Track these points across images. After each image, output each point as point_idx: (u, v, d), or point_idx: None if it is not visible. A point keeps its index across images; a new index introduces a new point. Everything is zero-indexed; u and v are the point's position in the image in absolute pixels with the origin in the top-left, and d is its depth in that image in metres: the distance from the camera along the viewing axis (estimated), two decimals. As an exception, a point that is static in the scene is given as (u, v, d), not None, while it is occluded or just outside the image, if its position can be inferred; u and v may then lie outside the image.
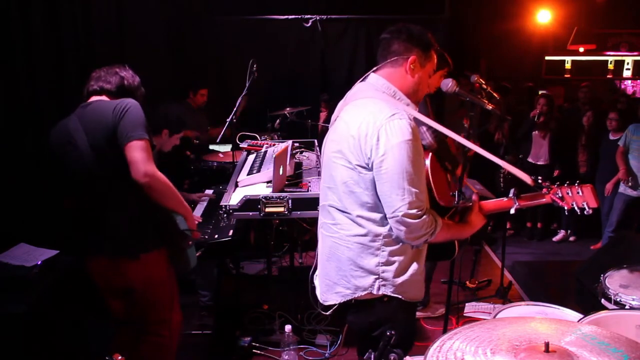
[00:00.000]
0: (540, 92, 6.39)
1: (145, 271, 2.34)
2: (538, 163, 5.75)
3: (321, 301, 2.06)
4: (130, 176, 2.18)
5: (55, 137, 2.37)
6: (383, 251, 1.88)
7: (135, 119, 2.21)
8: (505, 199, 2.10)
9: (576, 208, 2.00)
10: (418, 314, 3.91)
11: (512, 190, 2.09)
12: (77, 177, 2.32)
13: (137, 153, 2.17)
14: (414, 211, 1.77)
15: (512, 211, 2.08)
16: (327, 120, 5.78)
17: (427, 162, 3.27)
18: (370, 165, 1.82)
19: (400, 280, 1.90)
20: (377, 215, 1.86)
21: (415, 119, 1.90)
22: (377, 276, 1.89)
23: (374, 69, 2.01)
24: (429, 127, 3.23)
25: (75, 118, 2.32)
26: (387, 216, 1.81)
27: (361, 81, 2.04)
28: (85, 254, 2.44)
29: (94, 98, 2.37)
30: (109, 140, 2.21)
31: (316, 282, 2.15)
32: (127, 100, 2.26)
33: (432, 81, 3.43)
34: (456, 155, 3.53)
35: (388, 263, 1.88)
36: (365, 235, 1.88)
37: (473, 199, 2.15)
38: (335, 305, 2.00)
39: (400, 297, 1.91)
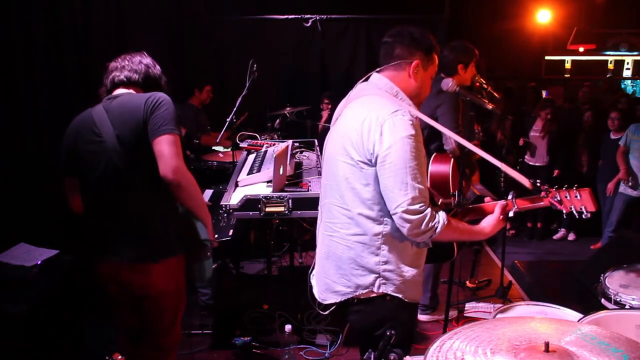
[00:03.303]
0: (544, 98, 6.35)
1: (163, 277, 2.21)
2: (537, 164, 5.75)
3: (320, 300, 2.06)
4: (155, 176, 2.05)
5: (78, 127, 2.22)
6: (383, 250, 1.88)
7: (167, 113, 2.10)
8: (504, 201, 2.10)
9: (574, 212, 2.01)
10: (428, 317, 3.90)
11: (511, 193, 2.10)
12: (97, 173, 2.16)
13: (167, 147, 2.06)
14: (416, 206, 1.77)
15: (511, 214, 2.08)
16: (329, 119, 5.78)
17: (449, 167, 3.25)
18: (372, 161, 1.83)
19: (400, 279, 1.90)
20: (376, 213, 1.86)
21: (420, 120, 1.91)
22: (377, 275, 1.90)
23: (377, 70, 2.02)
24: None
25: (102, 109, 2.18)
26: (390, 212, 1.81)
27: (363, 81, 2.05)
28: (99, 259, 2.27)
29: (119, 90, 2.24)
30: (138, 135, 2.09)
31: (313, 281, 2.15)
32: (159, 94, 2.16)
33: (467, 76, 3.45)
34: (474, 161, 3.54)
35: (388, 262, 1.88)
36: (364, 234, 1.89)
37: (487, 201, 2.15)
38: (334, 304, 2.00)
39: (400, 296, 1.91)
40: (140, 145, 2.10)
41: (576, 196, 2.01)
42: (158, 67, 2.36)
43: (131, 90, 2.25)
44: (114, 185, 2.15)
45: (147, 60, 2.33)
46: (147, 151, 2.09)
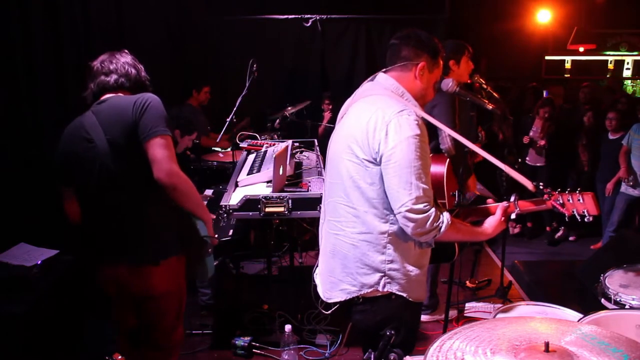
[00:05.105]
0: (543, 97, 6.35)
1: (164, 278, 2.21)
2: (537, 165, 5.75)
3: (324, 299, 2.06)
4: (150, 176, 2.04)
5: (70, 135, 2.21)
6: (388, 249, 1.89)
7: (157, 114, 2.08)
8: (506, 203, 2.10)
9: (577, 215, 2.02)
10: (428, 317, 3.88)
11: (513, 195, 2.10)
12: (92, 178, 2.15)
13: (160, 150, 2.04)
14: (420, 206, 1.78)
15: (513, 216, 2.10)
16: (331, 120, 5.76)
17: (444, 167, 3.25)
18: (378, 160, 1.84)
19: (405, 279, 1.91)
20: (382, 212, 1.87)
21: (424, 120, 1.92)
22: (382, 273, 1.90)
23: (383, 70, 2.03)
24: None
25: (91, 115, 2.18)
26: (394, 211, 1.82)
27: (370, 80, 2.06)
28: (100, 263, 2.27)
29: (108, 95, 2.23)
30: (129, 137, 2.07)
31: (317, 280, 2.15)
32: (148, 94, 2.14)
33: (462, 71, 3.46)
34: (470, 164, 3.52)
35: (394, 261, 1.89)
36: (370, 232, 1.89)
37: (489, 202, 2.16)
38: (338, 303, 2.00)
39: (405, 295, 1.92)
40: (132, 147, 2.08)
41: (579, 199, 2.02)
42: (139, 65, 2.34)
43: (119, 94, 2.24)
44: (109, 189, 2.14)
45: (130, 60, 2.30)
46: (140, 152, 2.07)
